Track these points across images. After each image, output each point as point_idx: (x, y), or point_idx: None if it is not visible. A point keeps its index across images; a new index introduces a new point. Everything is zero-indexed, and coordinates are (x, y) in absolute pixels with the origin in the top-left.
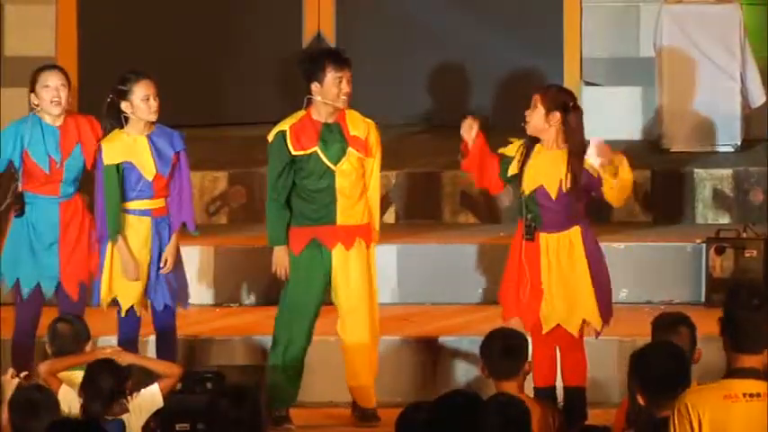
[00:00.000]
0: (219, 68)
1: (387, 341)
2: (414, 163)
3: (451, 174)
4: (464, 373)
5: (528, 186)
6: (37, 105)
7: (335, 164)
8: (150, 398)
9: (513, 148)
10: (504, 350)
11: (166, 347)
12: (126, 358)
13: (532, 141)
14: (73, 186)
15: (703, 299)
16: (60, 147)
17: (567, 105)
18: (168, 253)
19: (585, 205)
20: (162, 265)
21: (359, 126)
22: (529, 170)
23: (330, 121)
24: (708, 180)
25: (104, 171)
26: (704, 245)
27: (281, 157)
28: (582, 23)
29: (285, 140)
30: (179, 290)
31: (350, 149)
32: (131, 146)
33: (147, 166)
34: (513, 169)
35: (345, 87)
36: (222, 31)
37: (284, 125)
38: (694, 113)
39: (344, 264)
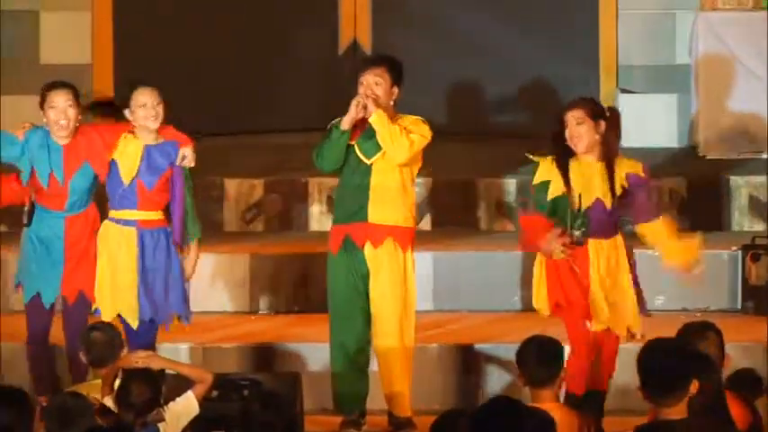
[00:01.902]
0: (256, 76)
1: (422, 348)
2: (450, 171)
3: (487, 181)
4: (499, 380)
5: (585, 202)
6: (46, 124)
7: (369, 158)
8: (186, 405)
9: (545, 172)
10: (540, 358)
11: None
12: (158, 363)
13: (566, 156)
14: (80, 202)
15: (739, 306)
16: (64, 166)
17: (604, 113)
18: (187, 266)
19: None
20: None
21: (402, 122)
22: (579, 186)
23: None
24: (744, 187)
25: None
26: (740, 252)
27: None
28: (618, 31)
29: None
30: (172, 303)
31: None
32: (125, 147)
33: (127, 170)
34: (556, 191)
35: (362, 91)
36: (259, 39)
37: (337, 119)
38: (730, 120)
39: (376, 265)
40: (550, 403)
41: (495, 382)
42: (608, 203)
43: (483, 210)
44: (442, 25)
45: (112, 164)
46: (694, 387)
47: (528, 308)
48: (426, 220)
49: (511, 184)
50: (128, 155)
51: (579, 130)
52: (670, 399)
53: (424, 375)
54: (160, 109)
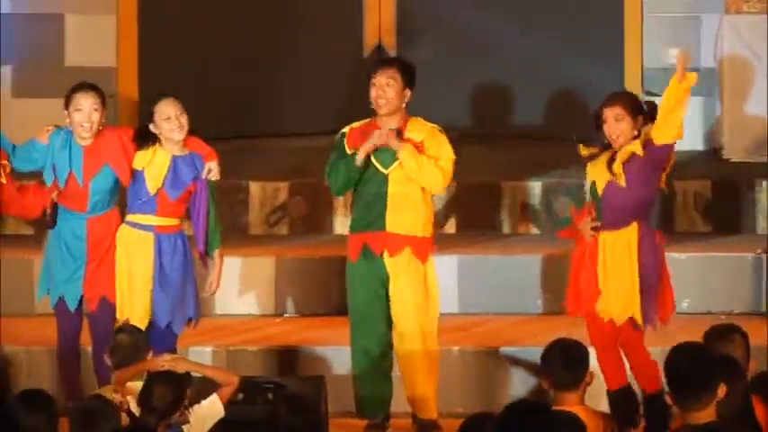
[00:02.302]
0: (281, 79)
1: (447, 351)
2: (474, 173)
3: (511, 184)
4: (524, 383)
5: (599, 188)
6: (70, 124)
7: (386, 168)
8: (211, 408)
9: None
10: (564, 361)
11: None
12: (183, 366)
13: (608, 147)
14: (102, 203)
15: (764, 309)
16: (84, 167)
17: (643, 107)
18: (212, 278)
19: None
20: (207, 288)
21: (417, 131)
22: (594, 173)
23: (392, 126)
24: None
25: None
26: (765, 255)
27: (339, 154)
28: (643, 34)
29: (343, 140)
30: (188, 307)
31: None
32: (153, 158)
33: (154, 181)
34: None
35: (374, 92)
36: (283, 42)
37: (348, 127)
38: (755, 124)
39: (395, 270)
40: (575, 406)
41: (520, 385)
42: (621, 181)
43: (507, 213)
44: (466, 28)
45: (139, 173)
46: (722, 391)
47: (551, 311)
48: (451, 223)
49: (535, 186)
50: (155, 165)
51: (619, 128)
52: (698, 403)
53: (448, 378)
54: (184, 120)
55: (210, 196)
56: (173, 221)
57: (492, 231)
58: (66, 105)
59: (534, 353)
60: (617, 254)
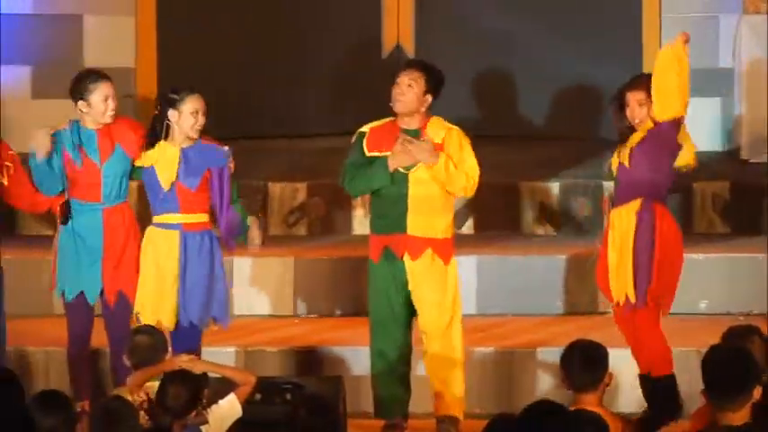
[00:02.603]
0: (300, 79)
1: (466, 352)
2: (492, 174)
3: (530, 185)
4: (543, 384)
5: (614, 169)
6: (85, 113)
7: (408, 169)
8: (229, 407)
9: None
10: (584, 362)
11: None
12: (200, 366)
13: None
14: (116, 192)
15: None
16: (99, 149)
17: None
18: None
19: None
20: (251, 242)
21: (438, 132)
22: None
23: (412, 127)
24: None
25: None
26: None
27: (358, 157)
28: (661, 34)
29: (362, 141)
30: (213, 307)
31: None
32: (161, 153)
33: (166, 175)
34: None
35: (394, 90)
36: (302, 43)
37: (367, 126)
38: None
39: (417, 275)
40: (594, 407)
41: (539, 385)
42: (625, 161)
43: (526, 213)
44: (485, 29)
45: (150, 170)
46: (758, 393)
47: (571, 311)
48: (469, 223)
49: (554, 187)
50: (165, 160)
51: (642, 112)
52: (733, 404)
53: (467, 379)
54: (204, 119)
55: (233, 183)
56: (199, 218)
57: (510, 232)
58: (82, 95)
59: (553, 354)
60: (617, 231)
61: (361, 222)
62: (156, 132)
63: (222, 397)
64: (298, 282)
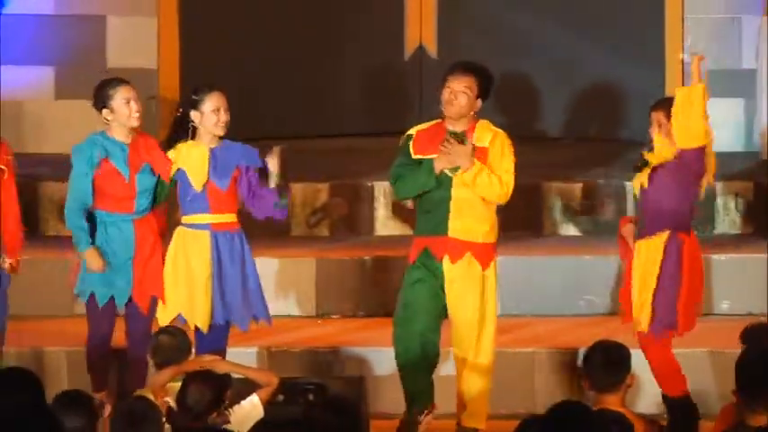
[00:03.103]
0: (322, 80)
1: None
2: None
3: (552, 185)
4: (564, 385)
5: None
6: (110, 121)
7: (453, 172)
8: (251, 408)
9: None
10: (605, 363)
11: None
12: (223, 367)
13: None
14: (146, 203)
15: None
16: (129, 163)
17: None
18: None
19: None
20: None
21: (485, 136)
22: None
23: (458, 129)
24: None
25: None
26: None
27: (405, 159)
28: (684, 35)
29: (409, 143)
30: (253, 306)
31: None
32: (189, 154)
33: (198, 176)
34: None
35: (446, 94)
36: (324, 43)
37: (415, 129)
38: None
39: (452, 277)
40: (616, 408)
41: (560, 386)
42: (646, 183)
43: (547, 214)
44: (508, 29)
45: (180, 171)
46: None
47: (593, 312)
48: None
49: (576, 188)
50: (194, 160)
51: (659, 132)
52: (761, 405)
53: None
54: (227, 116)
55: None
56: (228, 218)
57: (533, 232)
58: (104, 102)
59: (575, 355)
60: (642, 259)
61: (383, 223)
62: (176, 135)
63: (244, 398)
64: (320, 282)
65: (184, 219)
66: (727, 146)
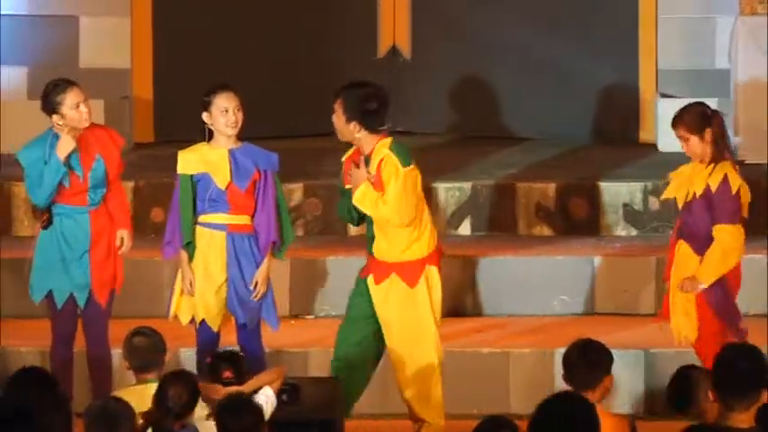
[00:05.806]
0: (294, 80)
1: (462, 354)
2: (488, 175)
3: (526, 186)
4: (538, 385)
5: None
6: (62, 125)
7: None
8: (265, 401)
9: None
10: (584, 359)
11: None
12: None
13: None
14: (100, 195)
15: None
16: (81, 161)
17: (709, 120)
18: (259, 276)
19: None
20: (252, 288)
21: (375, 160)
22: (675, 188)
23: (366, 153)
24: None
25: (179, 180)
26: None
27: (340, 187)
28: (657, 36)
29: (341, 172)
30: (260, 310)
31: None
32: (209, 156)
33: (221, 176)
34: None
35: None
36: (297, 44)
37: (344, 156)
38: None
39: (378, 301)
40: None
41: (536, 386)
42: (681, 202)
43: (521, 214)
44: (481, 30)
45: (202, 175)
46: (766, 396)
47: (568, 312)
48: (465, 224)
49: (550, 188)
50: (215, 162)
51: (689, 148)
52: (741, 404)
53: (465, 380)
54: (240, 116)
55: (278, 188)
56: (244, 219)
57: (506, 233)
58: (59, 106)
59: (550, 354)
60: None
61: None
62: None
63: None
64: (294, 282)
65: (202, 218)
66: None
